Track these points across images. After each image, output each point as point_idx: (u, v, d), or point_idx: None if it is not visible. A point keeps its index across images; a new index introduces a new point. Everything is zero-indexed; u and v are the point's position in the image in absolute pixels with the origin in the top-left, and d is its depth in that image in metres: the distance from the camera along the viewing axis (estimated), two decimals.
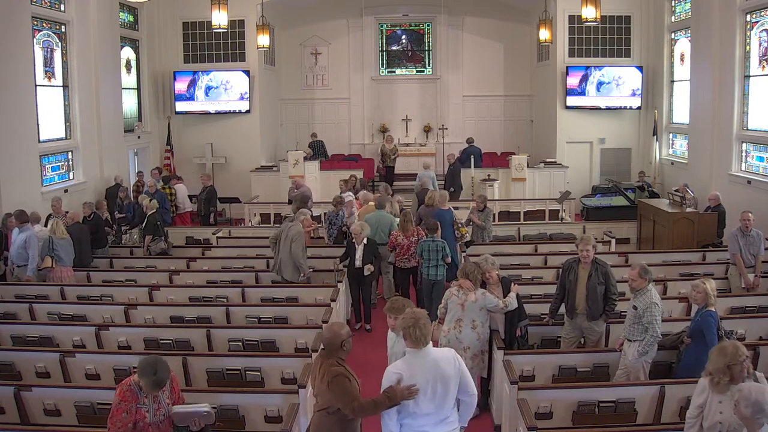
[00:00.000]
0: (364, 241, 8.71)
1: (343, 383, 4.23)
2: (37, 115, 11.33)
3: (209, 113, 16.89)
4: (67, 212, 10.26)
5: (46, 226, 9.69)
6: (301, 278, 8.67)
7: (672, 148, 16.24)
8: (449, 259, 8.52)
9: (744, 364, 4.22)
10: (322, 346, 4.48)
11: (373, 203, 10.45)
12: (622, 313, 6.34)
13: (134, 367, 4.13)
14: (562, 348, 6.64)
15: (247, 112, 16.78)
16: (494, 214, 14.04)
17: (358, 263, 8.69)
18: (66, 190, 12.01)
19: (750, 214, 8.44)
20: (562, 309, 6.74)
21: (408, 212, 9.49)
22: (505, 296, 6.37)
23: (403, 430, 4.22)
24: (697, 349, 5.56)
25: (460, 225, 10.13)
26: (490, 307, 6.17)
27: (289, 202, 12.71)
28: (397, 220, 9.69)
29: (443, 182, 15.25)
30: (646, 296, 5.76)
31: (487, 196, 11.57)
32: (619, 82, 16.48)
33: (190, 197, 14.24)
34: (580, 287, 6.45)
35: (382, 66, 20.32)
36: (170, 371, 4.20)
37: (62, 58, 12.45)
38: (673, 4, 15.84)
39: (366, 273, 8.70)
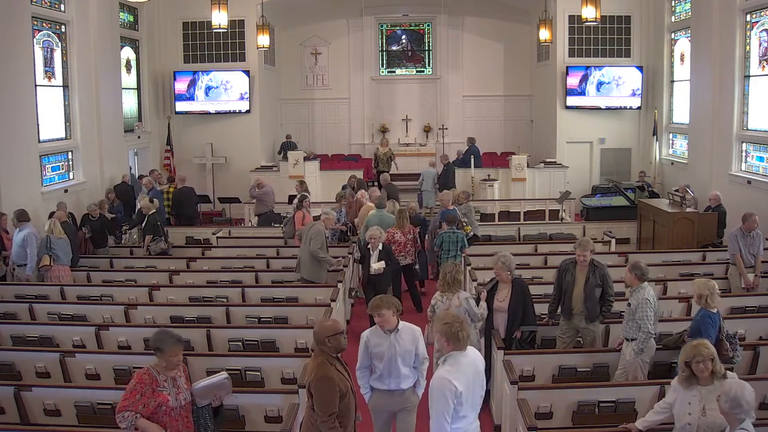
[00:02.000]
0: (380, 246, 8.40)
1: (324, 388, 4.26)
2: (37, 115, 11.30)
3: (209, 113, 16.89)
4: (52, 212, 10.17)
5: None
6: (332, 265, 8.77)
7: (672, 148, 16.24)
8: (467, 251, 9.01)
9: (704, 365, 4.27)
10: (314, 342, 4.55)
11: (370, 204, 10.47)
12: (621, 313, 6.35)
13: (154, 347, 4.23)
14: (558, 348, 6.64)
15: (247, 112, 16.78)
16: (494, 214, 14.14)
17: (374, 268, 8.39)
18: (66, 190, 12.00)
19: (757, 218, 8.43)
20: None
21: (404, 209, 9.49)
22: (511, 297, 6.36)
23: None
24: None
25: (464, 224, 10.20)
26: (472, 315, 6.16)
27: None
28: None
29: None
30: (639, 293, 5.82)
31: (469, 192, 11.55)
32: (619, 82, 16.48)
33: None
34: (578, 289, 6.46)
35: (382, 66, 20.33)
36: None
37: (62, 58, 12.44)
38: (673, 4, 15.84)
39: (375, 271, 8.32)
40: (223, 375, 4.36)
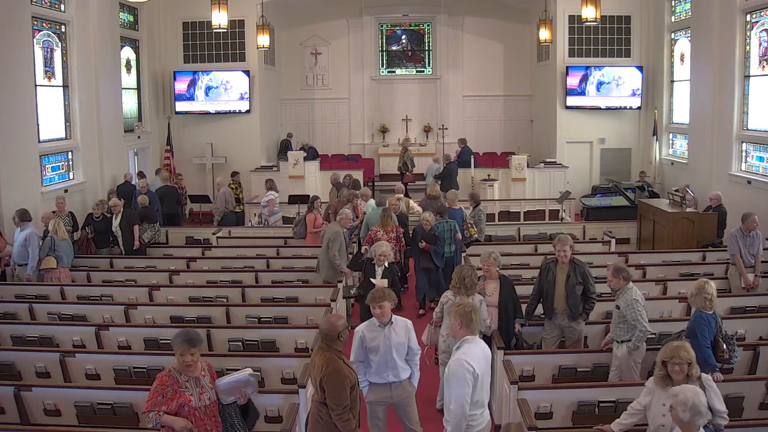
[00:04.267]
0: (386, 263, 7.64)
1: (336, 381, 4.36)
2: (37, 115, 11.31)
3: (209, 113, 16.89)
4: (52, 211, 10.24)
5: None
6: (346, 275, 8.68)
7: (672, 148, 16.24)
8: (459, 235, 9.34)
9: (680, 367, 4.27)
10: (320, 339, 4.59)
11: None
12: (609, 313, 6.34)
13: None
14: (544, 348, 6.64)
15: (247, 112, 16.77)
16: (494, 214, 14.14)
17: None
18: (66, 190, 12.01)
19: (757, 217, 8.43)
20: (539, 309, 6.76)
21: (388, 208, 9.52)
22: (501, 291, 6.44)
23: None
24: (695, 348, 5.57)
25: (469, 225, 10.19)
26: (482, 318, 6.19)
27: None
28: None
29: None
30: (626, 294, 5.82)
31: (479, 195, 11.61)
32: (619, 82, 16.48)
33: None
34: (559, 288, 6.48)
35: (382, 66, 20.32)
36: (201, 338, 4.31)
37: (62, 58, 12.44)
38: (673, 4, 15.84)
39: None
40: (247, 372, 4.33)
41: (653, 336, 6.07)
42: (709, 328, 5.46)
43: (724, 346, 5.53)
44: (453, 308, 4.57)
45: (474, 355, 4.35)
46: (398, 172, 16.62)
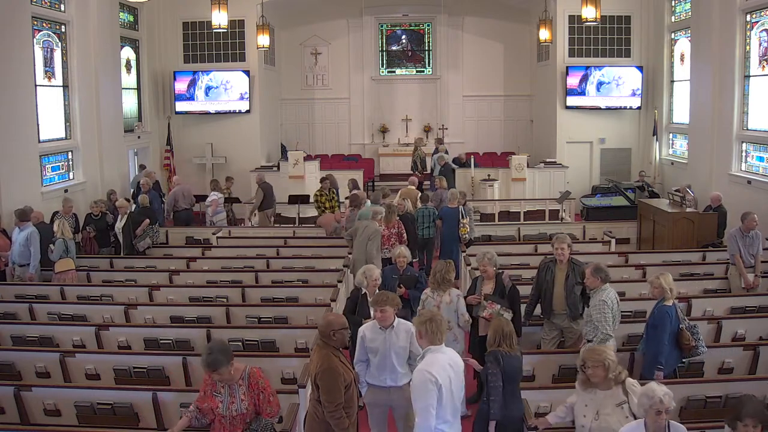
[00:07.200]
0: (376, 290, 6.19)
1: (330, 378, 4.34)
2: (37, 115, 11.32)
3: (209, 113, 16.89)
4: (56, 212, 10.32)
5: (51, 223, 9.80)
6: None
7: (672, 148, 16.24)
8: (440, 222, 10.22)
9: (593, 371, 4.26)
10: (318, 336, 4.61)
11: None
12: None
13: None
14: (543, 349, 6.60)
15: (247, 112, 16.78)
16: (494, 214, 14.13)
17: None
18: (66, 190, 12.01)
19: (756, 216, 8.43)
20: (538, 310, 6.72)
21: (392, 205, 9.61)
22: (495, 291, 6.38)
23: None
24: (654, 342, 5.62)
25: (463, 224, 10.19)
26: (460, 314, 6.18)
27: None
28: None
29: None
30: (597, 295, 5.81)
31: (466, 194, 11.66)
32: (619, 82, 16.48)
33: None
34: (558, 288, 6.43)
35: (382, 66, 20.34)
36: (230, 356, 4.16)
37: (62, 58, 12.45)
38: (673, 4, 15.84)
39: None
40: None
41: (611, 338, 6.02)
42: (670, 320, 5.50)
43: (689, 336, 5.56)
44: (418, 317, 4.48)
45: (437, 364, 4.20)
46: (410, 171, 16.56)
